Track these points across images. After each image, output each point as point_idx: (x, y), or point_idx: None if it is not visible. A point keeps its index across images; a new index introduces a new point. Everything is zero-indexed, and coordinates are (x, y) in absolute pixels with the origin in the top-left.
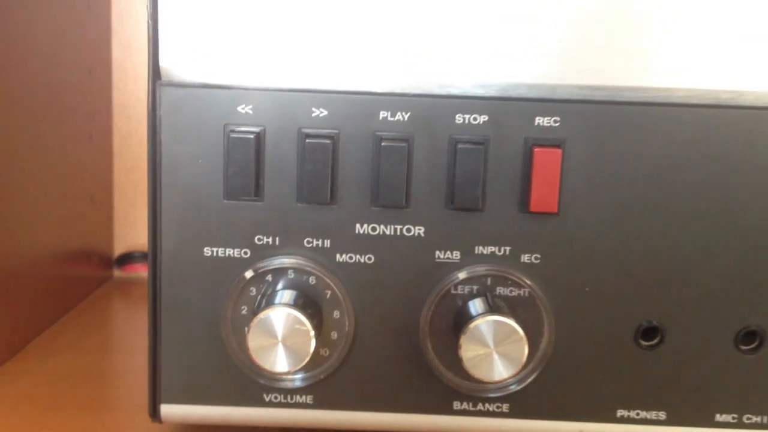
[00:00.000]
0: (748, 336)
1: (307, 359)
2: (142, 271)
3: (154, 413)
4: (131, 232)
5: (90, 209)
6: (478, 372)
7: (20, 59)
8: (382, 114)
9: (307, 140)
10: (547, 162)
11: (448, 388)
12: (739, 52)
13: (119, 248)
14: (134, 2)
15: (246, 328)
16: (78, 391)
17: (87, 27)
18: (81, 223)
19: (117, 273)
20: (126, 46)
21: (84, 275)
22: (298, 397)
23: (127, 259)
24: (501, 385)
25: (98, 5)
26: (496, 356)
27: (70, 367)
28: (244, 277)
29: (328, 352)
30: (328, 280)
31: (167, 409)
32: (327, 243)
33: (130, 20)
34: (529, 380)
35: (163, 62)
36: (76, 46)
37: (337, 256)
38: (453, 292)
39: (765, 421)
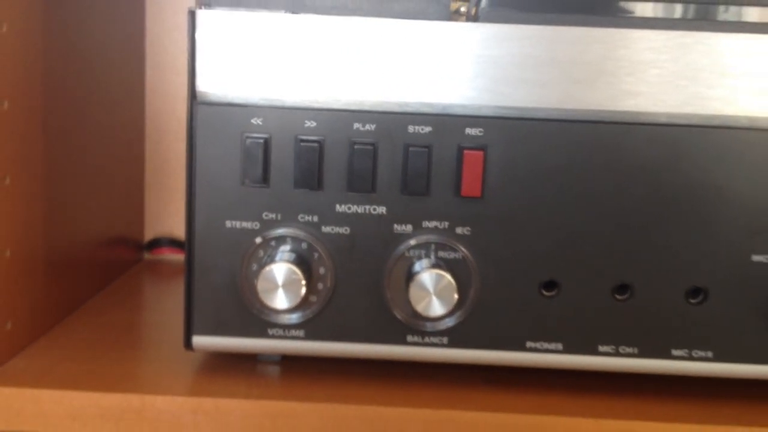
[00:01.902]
0: (622, 288)
1: (299, 300)
2: (168, 254)
3: (188, 343)
4: (159, 221)
5: (126, 203)
6: (421, 310)
7: (85, 84)
8: (356, 125)
9: (301, 144)
10: (473, 161)
11: (403, 324)
12: (602, 79)
13: (149, 235)
14: (163, 33)
15: (255, 279)
16: (122, 336)
17: (127, 53)
18: (118, 214)
19: (147, 256)
20: (157, 68)
21: (120, 257)
22: (293, 331)
23: (155, 243)
24: (439, 320)
25: (136, 36)
26: (434, 298)
27: (114, 321)
28: (255, 243)
29: (315, 299)
30: (315, 245)
31: (197, 340)
32: (315, 218)
33: (160, 47)
34: (461, 319)
35: (199, 88)
36: (120, 69)
37: (323, 227)
38: (406, 254)
39: (636, 352)
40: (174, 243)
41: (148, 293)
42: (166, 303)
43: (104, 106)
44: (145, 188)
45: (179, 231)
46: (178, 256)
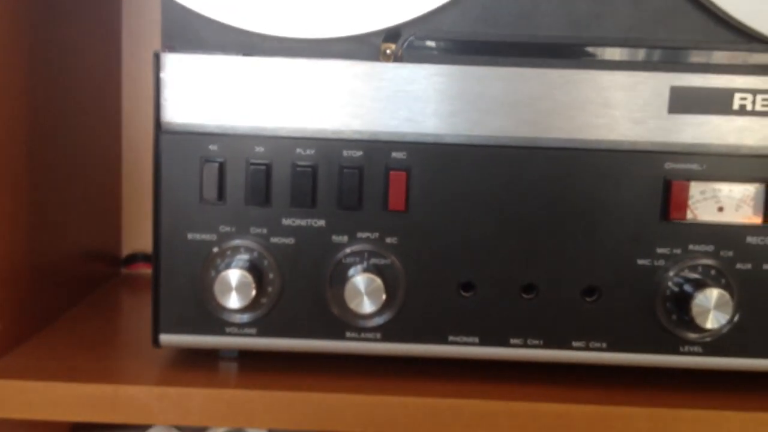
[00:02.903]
0: (528, 288)
1: (251, 301)
2: (143, 269)
3: (156, 340)
4: (135, 237)
5: (105, 221)
6: (354, 307)
7: (68, 113)
8: (298, 150)
9: (252, 166)
10: (398, 180)
11: (342, 321)
12: (504, 109)
13: (126, 250)
14: (138, 71)
15: (213, 283)
16: (99, 338)
17: (106, 85)
18: (98, 231)
19: (123, 270)
20: (133, 99)
21: (99, 270)
22: (246, 329)
23: (131, 259)
24: (370, 318)
25: (113, 73)
26: (365, 298)
27: (93, 326)
28: (212, 252)
29: (266, 300)
30: (265, 254)
31: (164, 338)
32: (264, 230)
33: (136, 80)
34: (391, 317)
35: (163, 119)
36: (100, 99)
37: (271, 238)
38: (343, 261)
39: (541, 343)
40: (148, 258)
41: (123, 303)
42: (140, 311)
43: (85, 134)
44: (122, 208)
45: None
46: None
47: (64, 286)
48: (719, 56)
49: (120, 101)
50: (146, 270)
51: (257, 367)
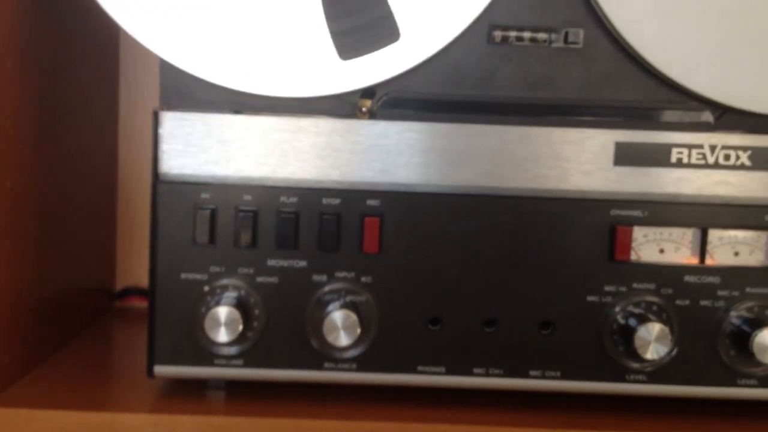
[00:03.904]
0: (490, 322)
1: (238, 335)
2: (136, 303)
3: (150, 371)
4: (129, 273)
5: (100, 256)
6: (332, 341)
7: (71, 165)
8: (282, 198)
9: (240, 213)
10: (372, 225)
11: (321, 353)
12: (469, 161)
13: (119, 285)
14: (133, 121)
15: (204, 319)
16: (98, 369)
17: (105, 135)
18: (94, 268)
19: (117, 304)
20: (128, 146)
21: (94, 304)
22: (233, 361)
23: (125, 293)
24: (347, 350)
25: (111, 123)
26: (342, 332)
27: (92, 358)
28: (203, 290)
29: (251, 334)
30: (251, 292)
31: (158, 369)
32: (251, 270)
33: (132, 129)
34: (365, 349)
35: (161, 170)
36: (99, 148)
37: (257, 278)
38: (322, 298)
39: (502, 373)
40: (141, 292)
41: (118, 335)
42: (134, 343)
43: (86, 180)
44: (116, 244)
45: (145, 282)
46: (144, 304)
47: (65, 320)
48: (659, 114)
49: (116, 147)
50: (138, 303)
51: (243, 395)
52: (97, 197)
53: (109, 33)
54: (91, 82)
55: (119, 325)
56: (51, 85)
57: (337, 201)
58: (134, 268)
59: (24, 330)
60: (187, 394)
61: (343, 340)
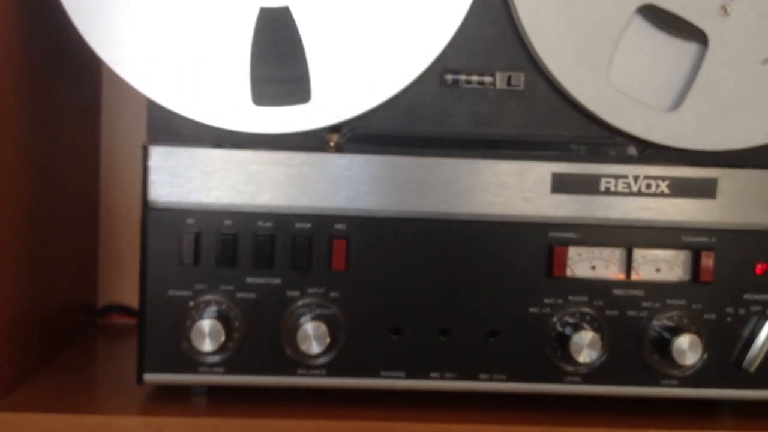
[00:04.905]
0: (444, 331)
1: (220, 345)
2: (117, 320)
3: (140, 379)
4: (111, 291)
5: (82, 274)
6: (305, 349)
7: (56, 192)
8: (259, 222)
9: (221, 236)
10: (339, 246)
11: (294, 361)
12: (425, 190)
13: (102, 302)
14: (115, 149)
15: (189, 331)
16: (89, 378)
17: (88, 164)
18: (75, 284)
19: (100, 321)
20: (111, 172)
21: (79, 320)
22: (215, 368)
23: (107, 310)
24: (318, 357)
25: (94, 153)
26: (313, 341)
27: (82, 369)
28: (189, 306)
29: (232, 344)
30: (232, 307)
31: (147, 376)
32: (231, 287)
33: (114, 154)
34: (334, 356)
35: (149, 198)
36: (83, 177)
37: (237, 294)
38: (295, 312)
39: (455, 376)
40: (122, 309)
41: (103, 349)
42: (119, 356)
43: (73, 208)
44: (99, 262)
45: (128, 299)
46: (126, 321)
47: (54, 335)
48: (590, 148)
49: (98, 174)
50: (119, 320)
51: (224, 399)
52: (81, 221)
53: (92, 67)
54: (76, 114)
55: (102, 340)
56: (42, 118)
57: (308, 225)
58: (115, 287)
59: (21, 342)
60: (173, 399)
61: (314, 348)
